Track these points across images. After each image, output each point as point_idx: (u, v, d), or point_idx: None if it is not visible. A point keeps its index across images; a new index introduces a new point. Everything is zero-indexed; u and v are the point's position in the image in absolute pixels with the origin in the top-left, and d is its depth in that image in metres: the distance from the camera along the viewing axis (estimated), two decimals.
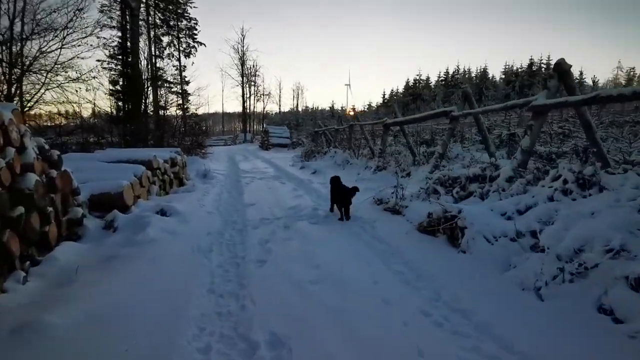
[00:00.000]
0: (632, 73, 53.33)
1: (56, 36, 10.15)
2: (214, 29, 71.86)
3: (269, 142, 25.75)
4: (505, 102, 6.15)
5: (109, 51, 19.49)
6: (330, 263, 3.82)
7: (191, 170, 11.53)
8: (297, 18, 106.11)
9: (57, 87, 10.79)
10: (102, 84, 17.66)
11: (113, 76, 19.61)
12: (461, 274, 3.54)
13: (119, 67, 19.66)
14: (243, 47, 45.37)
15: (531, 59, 40.84)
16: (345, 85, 68.25)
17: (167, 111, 23.65)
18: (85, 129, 14.43)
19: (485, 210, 4.32)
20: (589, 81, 40.57)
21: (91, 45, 12.01)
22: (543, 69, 40.70)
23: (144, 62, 22.31)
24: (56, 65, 10.37)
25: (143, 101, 19.85)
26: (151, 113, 20.69)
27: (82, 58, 11.19)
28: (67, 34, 10.37)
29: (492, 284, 3.31)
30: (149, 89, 22.68)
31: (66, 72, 10.85)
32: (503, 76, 43.85)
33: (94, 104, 15.27)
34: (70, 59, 10.93)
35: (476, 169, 5.53)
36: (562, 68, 4.80)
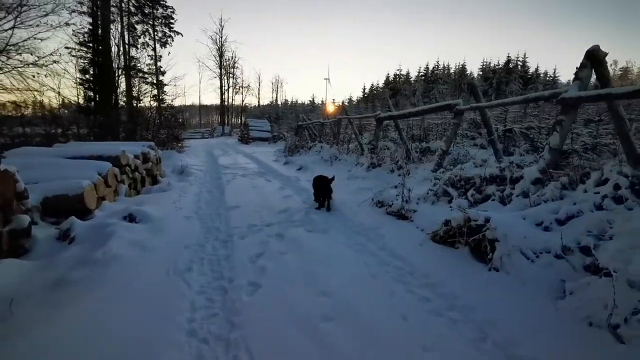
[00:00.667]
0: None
1: (9, 13, 8.80)
2: (192, 18, 69.13)
3: (249, 135, 24.66)
4: (526, 95, 5.50)
5: (79, 38, 18.04)
6: (341, 288, 3.06)
7: (167, 166, 10.50)
8: (276, 10, 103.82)
9: (13, 70, 9.43)
10: (67, 71, 16.13)
11: (83, 64, 18.23)
12: (503, 301, 2.85)
13: (89, 55, 18.24)
14: (221, 37, 43.63)
15: (508, 57, 41.19)
16: (325, 79, 67.31)
17: (141, 102, 22.23)
18: (49, 120, 13.03)
19: (517, 218, 3.66)
20: (562, 79, 41.31)
21: (51, 25, 10.58)
22: (519, 66, 41.14)
23: (116, 50, 20.88)
24: (8, 47, 9.02)
25: (114, 91, 18.49)
26: (124, 104, 19.30)
27: (40, 39, 9.73)
28: (22, 12, 9.03)
29: (548, 316, 2.64)
30: (122, 78, 21.20)
31: (20, 54, 9.50)
32: (481, 73, 44.05)
33: (59, 92, 13.82)
34: (24, 40, 9.59)
35: (493, 169, 4.89)
36: (596, 56, 4.18)
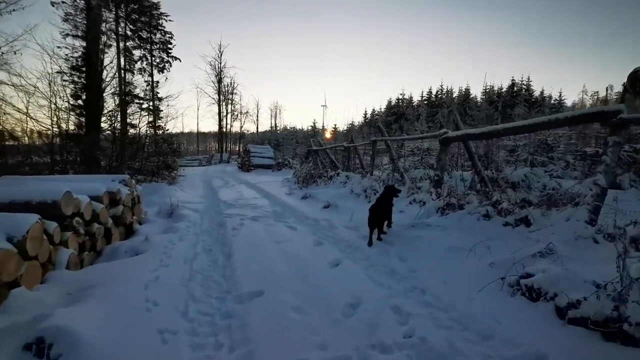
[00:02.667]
0: (596, 97, 53.78)
1: None
2: (191, 43, 67.76)
3: (250, 162, 22.07)
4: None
5: (71, 62, 15.81)
6: None
7: (151, 205, 7.77)
8: (275, 38, 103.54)
9: None
10: (55, 95, 13.74)
11: (75, 89, 15.98)
12: None
13: (82, 80, 15.99)
14: (220, 63, 41.85)
15: (513, 80, 39.73)
16: (322, 106, 65.85)
17: (137, 129, 19.50)
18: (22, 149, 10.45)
19: None
20: (568, 102, 39.72)
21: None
22: (523, 89, 39.62)
23: (111, 75, 18.65)
24: None
25: (103, 117, 15.96)
26: (112, 131, 16.69)
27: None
28: None
29: None
30: (114, 103, 18.75)
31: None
32: (483, 96, 42.42)
33: (28, 115, 11.22)
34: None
35: None
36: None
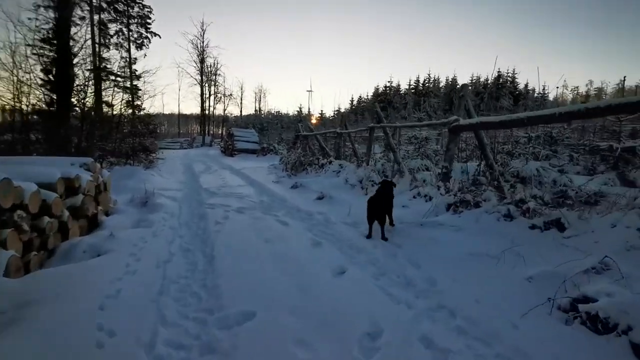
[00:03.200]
0: (576, 92, 54.55)
1: None
2: (171, 20, 64.49)
3: (234, 147, 21.05)
4: None
5: (42, 34, 14.26)
6: None
7: (123, 192, 6.90)
8: (261, 20, 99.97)
9: None
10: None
11: (45, 64, 14.46)
12: None
13: (52, 54, 14.49)
14: (203, 42, 39.97)
15: (499, 71, 39.58)
16: (308, 91, 64.32)
17: (112, 108, 18.01)
18: None
19: None
20: (550, 96, 39.87)
21: None
22: (509, 82, 39.56)
23: (84, 48, 17.16)
24: None
25: (74, 94, 14.56)
26: (88, 109, 15.28)
27: None
28: None
29: None
30: (89, 80, 17.22)
31: None
32: (470, 87, 42.17)
33: None
34: None
35: None
36: None
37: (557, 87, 43.17)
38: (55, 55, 13.60)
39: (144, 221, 5.10)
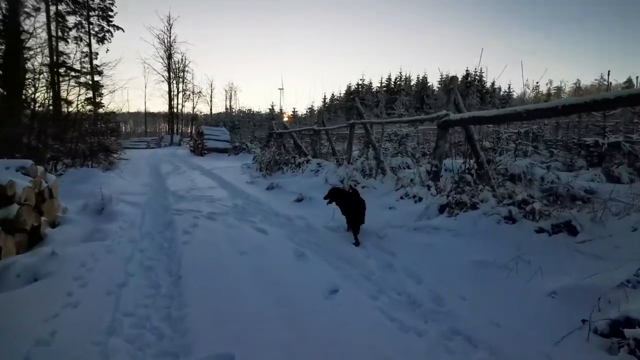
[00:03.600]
0: (536, 91, 56.72)
1: None
2: (136, 13, 61.42)
3: (203, 146, 20.07)
4: None
5: None
6: None
7: (77, 197, 6.09)
8: (230, 14, 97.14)
9: None
10: None
11: None
12: None
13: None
14: (170, 37, 38.24)
15: (467, 71, 40.39)
16: (279, 89, 63.19)
17: (69, 105, 16.47)
18: None
19: None
20: (514, 94, 41.15)
21: None
22: (476, 81, 40.46)
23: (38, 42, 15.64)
24: None
25: (24, 89, 13.15)
26: (32, 105, 13.81)
27: None
28: None
29: None
30: (40, 74, 15.66)
31: None
32: (439, 85, 42.85)
33: None
34: None
35: None
36: None
37: (525, 86, 44.62)
38: (4, 48, 12.20)
39: (98, 232, 4.38)
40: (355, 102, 7.68)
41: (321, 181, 7.54)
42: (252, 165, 13.02)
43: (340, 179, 7.14)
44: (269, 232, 4.66)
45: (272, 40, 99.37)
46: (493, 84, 41.18)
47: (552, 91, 62.57)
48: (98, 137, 10.11)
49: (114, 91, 26.70)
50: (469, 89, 39.43)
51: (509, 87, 39.91)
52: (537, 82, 46.42)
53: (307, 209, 5.91)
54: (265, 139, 16.13)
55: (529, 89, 57.14)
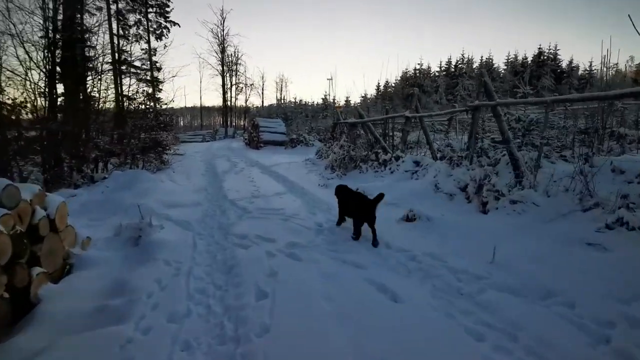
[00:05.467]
0: (615, 69, 48.90)
1: None
2: (190, 8, 61.52)
3: (259, 139, 18.53)
4: None
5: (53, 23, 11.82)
6: None
7: (113, 212, 4.45)
8: (281, 5, 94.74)
9: None
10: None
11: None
12: None
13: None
14: (223, 31, 37.33)
15: (540, 49, 35.19)
16: (328, 79, 60.81)
17: (135, 102, 15.27)
18: None
19: None
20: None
21: None
22: (550, 59, 35.23)
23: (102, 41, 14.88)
24: None
25: (84, 87, 12.18)
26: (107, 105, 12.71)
27: None
28: None
29: None
30: (103, 73, 14.80)
31: None
32: (505, 67, 38.00)
33: None
34: None
35: None
36: None
37: (602, 64, 38.20)
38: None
39: (122, 291, 2.57)
40: (483, 76, 5.29)
41: (427, 187, 5.32)
42: (316, 160, 11.07)
43: (459, 185, 4.88)
44: (399, 295, 2.57)
45: (323, 29, 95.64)
46: (570, 62, 35.59)
47: (635, 69, 53.96)
48: (150, 132, 8.65)
49: (173, 77, 25.70)
50: (541, 69, 34.41)
51: (591, 65, 34.22)
52: (616, 63, 39.51)
53: (431, 237, 3.77)
54: (330, 131, 14.07)
55: (605, 67, 49.43)
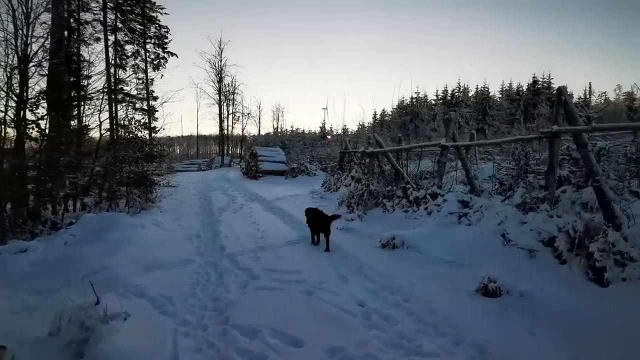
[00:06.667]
0: (604, 97, 49.41)
1: None
2: (188, 39, 61.46)
3: (258, 168, 17.23)
4: None
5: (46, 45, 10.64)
6: None
7: (59, 283, 3.04)
8: (277, 34, 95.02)
9: None
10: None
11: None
12: None
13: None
14: (221, 61, 36.91)
15: (534, 77, 35.08)
16: (323, 109, 60.45)
17: (129, 131, 13.85)
18: None
19: None
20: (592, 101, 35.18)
21: None
22: (544, 87, 35.06)
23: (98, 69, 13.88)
24: None
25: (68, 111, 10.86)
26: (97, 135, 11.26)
27: None
28: None
29: None
30: (91, 100, 13.53)
31: None
32: (500, 95, 37.77)
33: None
34: None
35: None
36: None
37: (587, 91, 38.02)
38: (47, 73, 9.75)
39: None
40: (563, 93, 4.08)
41: (490, 238, 3.96)
42: (324, 194, 9.75)
43: (540, 237, 3.53)
44: None
45: (319, 57, 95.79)
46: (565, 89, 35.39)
47: (622, 97, 54.43)
48: (136, 164, 7.26)
49: (164, 102, 24.58)
50: (537, 97, 34.11)
51: (585, 93, 34.07)
52: (605, 92, 39.43)
53: (542, 336, 2.37)
54: (338, 161, 12.79)
55: (594, 95, 49.91)
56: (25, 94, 6.86)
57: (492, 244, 3.89)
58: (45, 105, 7.73)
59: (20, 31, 6.73)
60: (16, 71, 6.68)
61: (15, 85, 6.71)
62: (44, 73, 8.53)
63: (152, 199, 7.41)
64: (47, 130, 6.81)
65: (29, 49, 6.64)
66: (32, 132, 6.65)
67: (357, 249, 4.58)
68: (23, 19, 7.00)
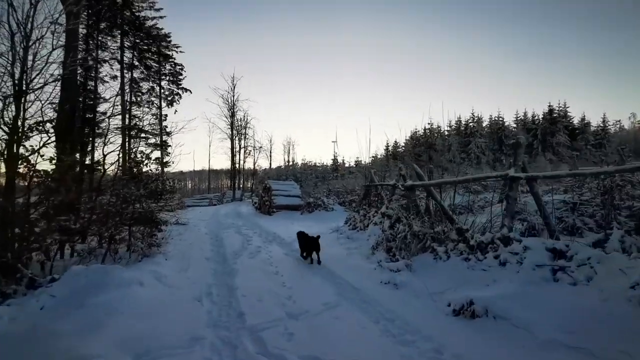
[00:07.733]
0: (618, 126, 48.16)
1: None
2: (202, 75, 62.82)
3: (272, 203, 16.17)
4: None
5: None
6: None
7: None
8: (287, 71, 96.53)
9: None
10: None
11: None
12: None
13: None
14: (233, 96, 37.16)
15: (550, 106, 34.16)
16: (333, 142, 60.24)
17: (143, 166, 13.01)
18: None
19: None
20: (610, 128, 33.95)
21: None
22: (560, 116, 34.08)
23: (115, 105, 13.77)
24: None
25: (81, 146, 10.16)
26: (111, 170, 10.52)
27: None
28: None
29: None
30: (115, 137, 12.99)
31: None
32: (515, 125, 36.80)
33: None
34: None
35: None
36: None
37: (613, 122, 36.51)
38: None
39: None
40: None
41: (621, 310, 2.75)
42: (350, 233, 8.58)
43: None
44: None
45: (329, 90, 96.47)
46: (583, 119, 34.37)
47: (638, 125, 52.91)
48: (133, 205, 6.26)
49: (176, 132, 24.19)
50: (554, 125, 33.06)
51: (604, 121, 32.90)
52: (619, 120, 38.18)
53: None
54: (362, 194, 11.66)
55: (609, 123, 48.62)
56: (22, 126, 6.06)
57: (624, 320, 2.67)
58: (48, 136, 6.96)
59: (18, 60, 6.03)
60: (10, 99, 5.91)
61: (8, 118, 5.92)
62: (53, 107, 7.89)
63: (157, 244, 6.33)
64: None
65: (25, 76, 5.89)
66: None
67: (421, 317, 3.38)
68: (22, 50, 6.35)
